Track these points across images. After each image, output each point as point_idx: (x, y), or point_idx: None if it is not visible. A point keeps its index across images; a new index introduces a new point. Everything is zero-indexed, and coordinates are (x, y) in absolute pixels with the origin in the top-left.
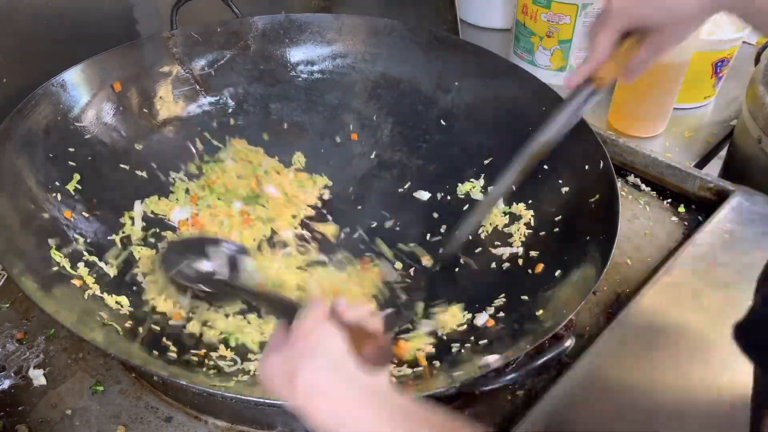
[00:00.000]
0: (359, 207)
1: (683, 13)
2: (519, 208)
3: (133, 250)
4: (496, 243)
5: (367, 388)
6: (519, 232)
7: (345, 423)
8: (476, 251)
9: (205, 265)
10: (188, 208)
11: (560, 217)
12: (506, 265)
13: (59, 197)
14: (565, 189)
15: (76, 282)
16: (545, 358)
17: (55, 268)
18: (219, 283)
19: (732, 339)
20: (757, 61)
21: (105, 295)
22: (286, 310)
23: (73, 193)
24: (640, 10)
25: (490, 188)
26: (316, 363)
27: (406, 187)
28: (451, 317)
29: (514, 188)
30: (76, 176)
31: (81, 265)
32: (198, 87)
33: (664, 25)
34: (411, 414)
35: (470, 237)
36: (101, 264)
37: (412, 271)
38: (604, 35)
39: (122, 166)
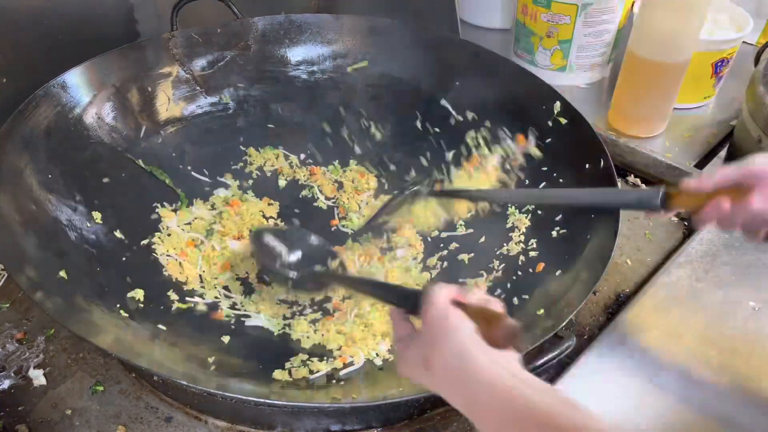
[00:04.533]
0: None
1: None
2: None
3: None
4: (497, 242)
5: (500, 367)
6: (519, 232)
7: (482, 401)
8: (476, 251)
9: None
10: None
11: (560, 216)
12: (506, 264)
13: (60, 198)
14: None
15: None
16: (545, 358)
17: (57, 269)
18: (317, 274)
19: None
20: (757, 61)
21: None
22: (404, 298)
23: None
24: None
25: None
26: (451, 347)
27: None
28: None
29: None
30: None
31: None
32: (198, 88)
33: None
34: (549, 392)
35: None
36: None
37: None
38: (722, 171)
39: (123, 166)
